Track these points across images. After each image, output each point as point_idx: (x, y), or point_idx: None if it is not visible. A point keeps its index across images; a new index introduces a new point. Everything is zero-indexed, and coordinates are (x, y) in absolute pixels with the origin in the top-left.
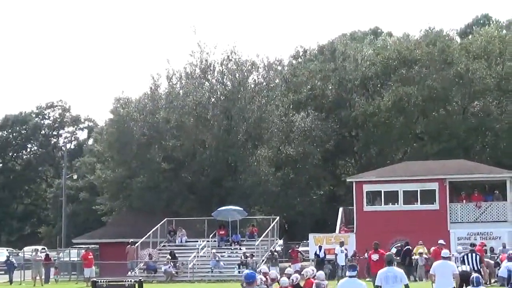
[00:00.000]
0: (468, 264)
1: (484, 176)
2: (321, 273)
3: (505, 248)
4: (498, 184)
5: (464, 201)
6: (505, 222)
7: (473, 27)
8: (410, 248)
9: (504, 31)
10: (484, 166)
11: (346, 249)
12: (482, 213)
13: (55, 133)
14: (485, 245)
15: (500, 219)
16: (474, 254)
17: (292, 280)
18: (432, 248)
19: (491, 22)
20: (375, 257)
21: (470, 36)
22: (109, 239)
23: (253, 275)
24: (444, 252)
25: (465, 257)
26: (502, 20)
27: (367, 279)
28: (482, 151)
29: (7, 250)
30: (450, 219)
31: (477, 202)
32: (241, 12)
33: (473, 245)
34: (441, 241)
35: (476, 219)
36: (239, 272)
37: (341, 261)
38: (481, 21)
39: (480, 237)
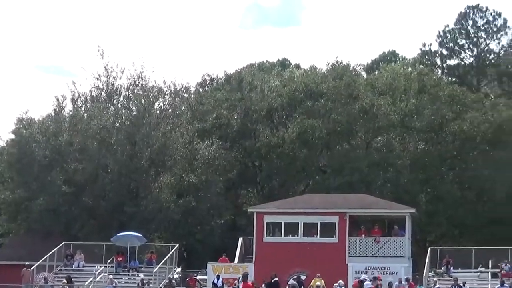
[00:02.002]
0: None
1: (384, 211)
2: None
3: (401, 283)
4: (398, 219)
5: (363, 235)
6: (403, 257)
7: (380, 63)
8: (278, 280)
9: (410, 69)
10: (384, 202)
11: None
12: (380, 247)
13: None
14: (381, 279)
15: (397, 255)
16: None
17: None
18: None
19: (397, 59)
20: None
21: (376, 72)
22: (5, 261)
23: None
24: (367, 283)
25: None
26: (408, 58)
27: None
28: (384, 186)
29: None
30: (349, 252)
31: (376, 237)
32: (150, 38)
33: (376, 278)
34: (364, 276)
35: (374, 254)
36: None
37: None
38: (388, 58)
39: (378, 271)
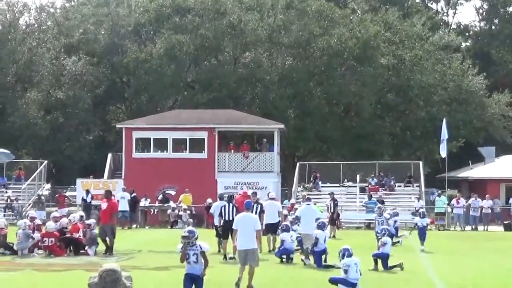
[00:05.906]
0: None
1: (253, 126)
2: (92, 221)
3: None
4: (267, 135)
5: (232, 150)
6: (272, 172)
7: None
8: (136, 195)
9: None
10: (253, 117)
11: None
12: (249, 163)
13: None
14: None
15: (266, 170)
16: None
17: (60, 224)
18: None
19: None
20: (104, 205)
21: None
22: None
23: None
24: (271, 194)
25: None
26: None
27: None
28: (252, 102)
29: None
30: (218, 168)
31: (245, 152)
32: None
33: (255, 193)
34: (252, 192)
35: (244, 169)
36: (4, 215)
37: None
38: None
39: (247, 186)
